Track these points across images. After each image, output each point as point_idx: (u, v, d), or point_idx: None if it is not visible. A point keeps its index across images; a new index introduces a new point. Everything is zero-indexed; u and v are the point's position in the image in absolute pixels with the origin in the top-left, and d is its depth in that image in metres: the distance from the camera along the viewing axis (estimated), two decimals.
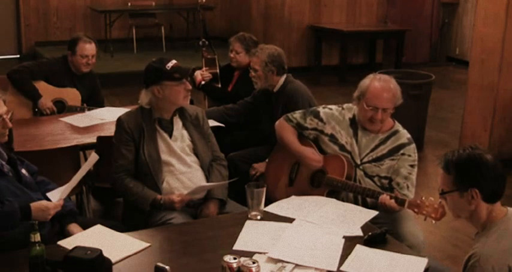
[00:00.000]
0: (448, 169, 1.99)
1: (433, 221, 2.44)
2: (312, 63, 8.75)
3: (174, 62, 2.80)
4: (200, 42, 4.77)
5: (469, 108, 5.31)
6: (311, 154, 2.93)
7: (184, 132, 2.87)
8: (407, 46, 9.00)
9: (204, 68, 4.46)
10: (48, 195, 2.39)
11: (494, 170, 1.96)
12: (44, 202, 2.32)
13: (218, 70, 4.43)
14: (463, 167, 1.97)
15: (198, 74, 4.35)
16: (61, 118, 3.81)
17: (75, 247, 2.02)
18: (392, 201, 2.60)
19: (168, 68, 2.75)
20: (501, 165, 1.98)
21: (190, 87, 2.82)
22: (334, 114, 2.96)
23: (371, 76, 2.88)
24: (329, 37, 8.67)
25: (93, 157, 2.40)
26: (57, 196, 2.38)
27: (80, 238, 2.27)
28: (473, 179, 1.95)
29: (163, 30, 9.08)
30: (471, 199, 1.96)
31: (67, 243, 2.22)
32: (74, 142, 3.34)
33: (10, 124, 2.39)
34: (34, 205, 2.29)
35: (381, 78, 2.84)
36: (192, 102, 3.11)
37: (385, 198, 2.63)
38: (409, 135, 2.89)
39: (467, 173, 1.96)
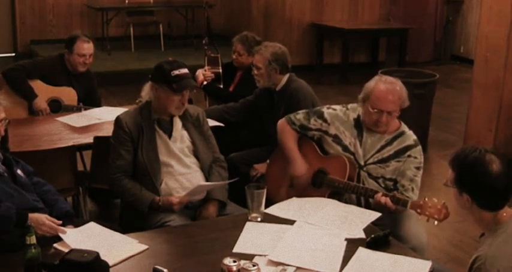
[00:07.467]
0: (453, 165, 1.97)
1: (436, 223, 2.41)
2: (313, 61, 8.70)
3: (183, 71, 2.73)
4: (204, 41, 4.72)
5: (474, 108, 5.26)
6: (298, 166, 2.91)
7: (184, 133, 2.84)
8: (411, 44, 8.93)
9: (206, 67, 4.40)
10: (65, 235, 2.28)
11: (496, 182, 1.89)
12: (42, 217, 2.29)
13: (221, 70, 4.37)
14: (464, 170, 1.94)
15: (200, 74, 4.28)
16: (57, 118, 3.77)
17: (72, 250, 2.02)
18: (388, 199, 2.56)
19: (172, 75, 2.70)
20: (510, 174, 1.91)
21: (186, 101, 2.77)
22: (338, 115, 2.92)
23: (376, 78, 2.83)
24: (331, 35, 8.62)
25: None
26: (71, 237, 2.28)
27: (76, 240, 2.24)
28: (468, 186, 1.93)
29: (161, 28, 9.02)
30: (466, 201, 1.95)
31: (63, 245, 2.19)
32: (70, 143, 3.31)
33: (3, 133, 2.38)
34: (33, 215, 2.27)
35: (387, 80, 2.79)
36: (191, 102, 3.06)
37: (379, 197, 2.59)
38: (415, 137, 2.85)
39: (465, 178, 1.94)
